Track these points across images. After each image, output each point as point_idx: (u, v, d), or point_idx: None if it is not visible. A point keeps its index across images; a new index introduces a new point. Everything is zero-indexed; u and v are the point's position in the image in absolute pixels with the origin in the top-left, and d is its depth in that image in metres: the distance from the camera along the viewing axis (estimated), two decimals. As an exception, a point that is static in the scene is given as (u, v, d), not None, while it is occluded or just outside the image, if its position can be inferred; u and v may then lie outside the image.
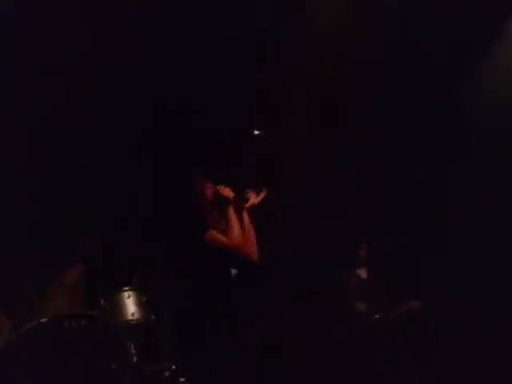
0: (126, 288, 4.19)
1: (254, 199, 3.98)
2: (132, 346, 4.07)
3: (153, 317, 4.19)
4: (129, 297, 4.17)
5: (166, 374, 4.11)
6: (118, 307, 4.13)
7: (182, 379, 4.00)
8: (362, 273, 4.98)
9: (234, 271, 3.91)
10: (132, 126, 4.79)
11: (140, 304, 4.18)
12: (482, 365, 4.46)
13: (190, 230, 3.88)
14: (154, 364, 4.13)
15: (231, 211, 3.89)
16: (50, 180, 4.43)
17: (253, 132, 4.12)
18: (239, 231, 3.83)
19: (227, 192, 3.90)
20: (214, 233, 3.81)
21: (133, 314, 4.14)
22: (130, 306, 4.15)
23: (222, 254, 3.81)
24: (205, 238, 3.78)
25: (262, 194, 4.00)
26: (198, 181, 3.98)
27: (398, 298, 4.80)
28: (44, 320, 3.76)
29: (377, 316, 4.78)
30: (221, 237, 3.83)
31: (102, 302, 4.10)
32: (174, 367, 4.10)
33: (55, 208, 4.38)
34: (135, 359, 4.06)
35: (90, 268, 4.25)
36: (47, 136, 4.49)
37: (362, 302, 4.84)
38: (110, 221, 4.61)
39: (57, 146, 4.54)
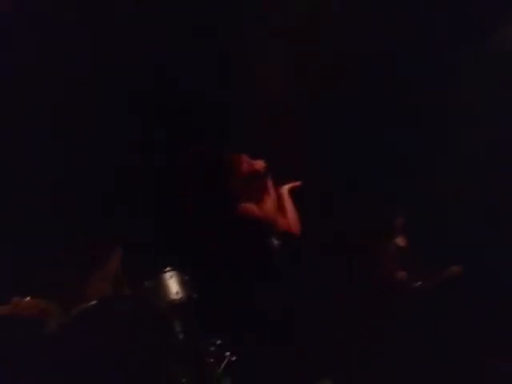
0: (168, 269, 4.35)
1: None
2: (178, 324, 4.26)
3: (196, 295, 4.34)
4: (171, 277, 4.33)
5: (212, 349, 4.27)
6: (162, 288, 4.29)
7: (227, 353, 4.12)
8: (400, 241, 5.00)
9: (275, 242, 3.92)
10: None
11: (182, 283, 4.33)
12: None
13: (225, 203, 3.90)
14: (199, 340, 4.28)
15: (264, 184, 3.91)
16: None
17: None
18: (272, 204, 3.87)
19: (260, 165, 3.93)
20: (248, 205, 3.82)
21: (177, 293, 4.29)
22: (173, 285, 4.31)
23: (259, 226, 3.83)
24: (239, 210, 3.80)
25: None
26: (233, 154, 3.99)
27: (437, 266, 4.80)
28: (94, 302, 3.98)
29: (418, 283, 4.80)
30: (255, 208, 3.83)
31: (146, 284, 4.27)
32: (219, 342, 4.26)
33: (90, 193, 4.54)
34: (181, 337, 4.24)
35: (130, 253, 4.41)
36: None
37: (403, 270, 4.87)
38: (147, 203, 4.75)
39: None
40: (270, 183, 3.95)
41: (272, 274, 3.87)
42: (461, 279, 4.75)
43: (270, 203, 3.87)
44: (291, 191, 4.01)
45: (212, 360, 4.20)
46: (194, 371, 4.14)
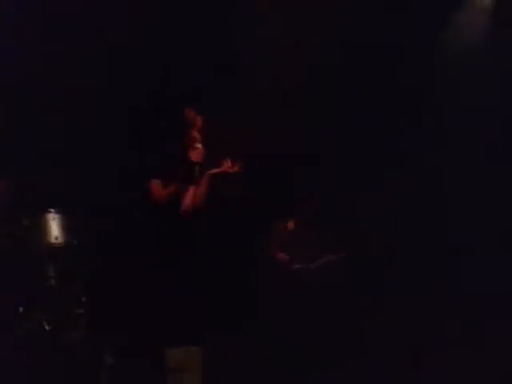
0: (52, 210, 4.12)
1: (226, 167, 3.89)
2: (51, 269, 4.08)
3: (76, 242, 4.17)
4: (54, 219, 4.11)
5: (83, 299, 4.15)
6: (42, 228, 4.07)
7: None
8: (291, 224, 5.04)
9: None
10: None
11: (65, 228, 4.14)
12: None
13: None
14: (71, 288, 4.14)
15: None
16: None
17: None
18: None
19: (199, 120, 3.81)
20: (155, 182, 3.70)
21: (56, 238, 4.09)
22: (54, 228, 4.10)
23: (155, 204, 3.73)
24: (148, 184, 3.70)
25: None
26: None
27: (323, 252, 4.89)
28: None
29: (296, 266, 4.88)
30: (160, 189, 3.71)
31: (25, 221, 4.03)
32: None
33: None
34: (53, 282, 4.08)
35: (17, 186, 4.15)
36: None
37: (286, 252, 4.92)
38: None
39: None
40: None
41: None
42: (339, 266, 4.85)
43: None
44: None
45: (81, 311, 4.10)
46: (60, 320, 4.01)
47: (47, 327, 3.93)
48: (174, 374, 3.88)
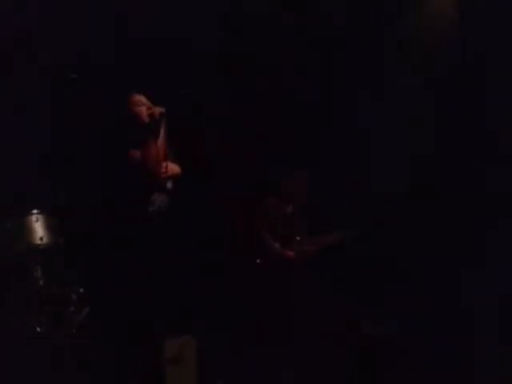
0: (35, 211, 4.08)
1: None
2: (39, 270, 4.06)
3: (62, 240, 4.13)
4: (37, 220, 4.06)
5: (73, 297, 4.13)
6: (26, 231, 4.03)
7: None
8: (289, 207, 4.94)
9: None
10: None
11: (49, 228, 4.09)
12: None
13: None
14: (61, 287, 4.12)
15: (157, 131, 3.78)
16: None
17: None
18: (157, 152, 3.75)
19: (157, 111, 3.77)
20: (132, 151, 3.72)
21: (41, 238, 4.05)
22: (39, 229, 4.07)
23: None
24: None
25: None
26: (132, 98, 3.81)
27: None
28: None
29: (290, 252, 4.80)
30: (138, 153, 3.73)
31: (8, 225, 3.98)
32: (81, 290, 4.13)
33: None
34: (41, 282, 4.05)
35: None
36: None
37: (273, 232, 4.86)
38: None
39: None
40: (163, 133, 3.80)
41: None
42: (344, 245, 4.79)
43: (154, 151, 3.71)
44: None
45: (72, 309, 4.09)
46: (52, 319, 4.00)
47: (38, 329, 3.93)
48: (170, 365, 3.93)
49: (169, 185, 3.89)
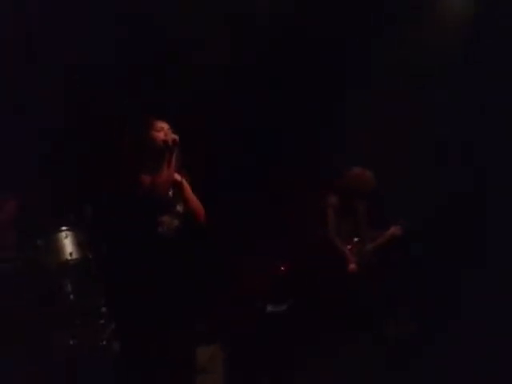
0: (64, 228, 4.21)
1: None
2: (69, 285, 4.18)
3: (90, 256, 4.25)
4: (66, 237, 4.20)
5: (103, 309, 4.25)
6: (56, 247, 4.16)
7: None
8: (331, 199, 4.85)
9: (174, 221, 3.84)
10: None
11: (78, 244, 4.22)
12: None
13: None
14: (91, 300, 4.23)
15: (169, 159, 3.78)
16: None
17: None
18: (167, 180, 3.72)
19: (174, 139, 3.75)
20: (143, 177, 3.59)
21: (71, 254, 4.18)
22: (68, 245, 4.20)
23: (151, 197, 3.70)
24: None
25: None
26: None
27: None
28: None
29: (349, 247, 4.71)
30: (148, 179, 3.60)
31: (38, 241, 4.13)
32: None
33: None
34: (72, 297, 4.18)
35: (25, 206, 4.23)
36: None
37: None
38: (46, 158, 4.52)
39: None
40: (173, 161, 3.79)
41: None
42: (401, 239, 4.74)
43: (165, 178, 3.70)
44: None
45: (102, 322, 4.21)
46: (83, 333, 4.12)
47: (72, 342, 4.06)
48: (197, 375, 4.00)
49: (179, 207, 3.90)
